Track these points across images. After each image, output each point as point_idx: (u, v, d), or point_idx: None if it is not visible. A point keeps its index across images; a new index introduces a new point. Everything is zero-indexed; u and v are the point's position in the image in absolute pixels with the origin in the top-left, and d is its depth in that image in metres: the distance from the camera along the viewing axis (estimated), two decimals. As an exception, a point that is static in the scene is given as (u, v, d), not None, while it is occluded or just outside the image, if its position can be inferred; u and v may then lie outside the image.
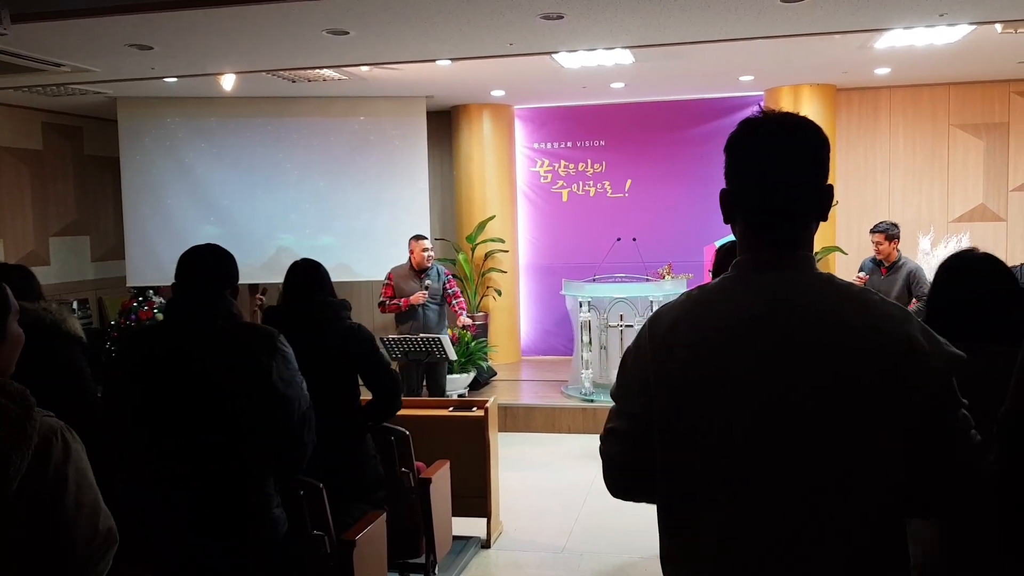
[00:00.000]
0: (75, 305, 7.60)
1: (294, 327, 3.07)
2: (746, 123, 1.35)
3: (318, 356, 3.01)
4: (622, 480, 1.45)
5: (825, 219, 1.35)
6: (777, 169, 1.30)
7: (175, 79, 6.63)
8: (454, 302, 6.26)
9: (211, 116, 7.94)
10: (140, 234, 7.74)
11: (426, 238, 6.32)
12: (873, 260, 6.04)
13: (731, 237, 1.44)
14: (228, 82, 6.56)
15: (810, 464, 1.23)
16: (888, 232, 5.90)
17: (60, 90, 6.90)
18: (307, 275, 3.23)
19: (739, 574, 1.27)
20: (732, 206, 1.37)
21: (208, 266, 2.47)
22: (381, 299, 6.21)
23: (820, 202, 1.33)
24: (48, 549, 1.53)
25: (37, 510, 1.50)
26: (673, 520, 1.36)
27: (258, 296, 6.62)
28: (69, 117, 8.29)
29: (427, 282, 6.07)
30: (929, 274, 5.54)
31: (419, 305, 6.07)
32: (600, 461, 1.47)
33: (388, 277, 6.24)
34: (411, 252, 6.20)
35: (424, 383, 6.20)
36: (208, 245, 2.58)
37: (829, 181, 1.36)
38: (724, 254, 3.15)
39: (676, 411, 1.32)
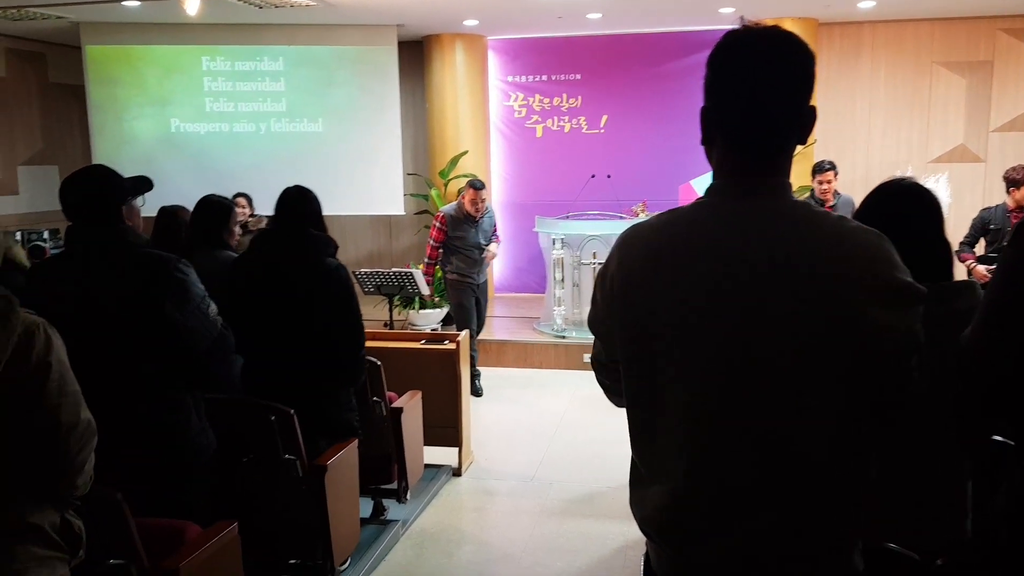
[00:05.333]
0: (46, 235, 7.48)
1: (275, 255, 3.06)
2: (732, 36, 1.27)
3: (292, 287, 3.00)
4: (620, 402, 1.46)
5: (804, 143, 1.31)
6: (765, 87, 1.24)
7: (138, 3, 6.41)
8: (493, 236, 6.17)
9: (175, 43, 7.71)
10: (108, 162, 7.51)
11: (479, 184, 5.95)
12: (812, 201, 5.92)
13: (706, 176, 1.42)
14: (192, 7, 6.34)
15: (769, 387, 1.23)
16: (835, 169, 5.93)
17: (20, 14, 6.64)
18: (294, 204, 3.10)
19: (708, 496, 1.27)
20: (711, 125, 1.31)
21: (91, 191, 2.37)
22: (430, 241, 6.05)
23: (804, 124, 1.28)
24: (35, 433, 1.60)
25: (23, 395, 1.58)
26: (642, 441, 1.36)
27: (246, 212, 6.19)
28: (32, 43, 8.02)
29: (487, 252, 6.00)
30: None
31: (474, 247, 5.95)
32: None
33: (440, 220, 5.99)
34: (462, 198, 5.95)
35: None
36: (90, 168, 2.49)
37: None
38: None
39: (640, 330, 1.32)
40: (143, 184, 2.49)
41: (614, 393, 1.49)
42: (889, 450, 1.71)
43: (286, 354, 3.00)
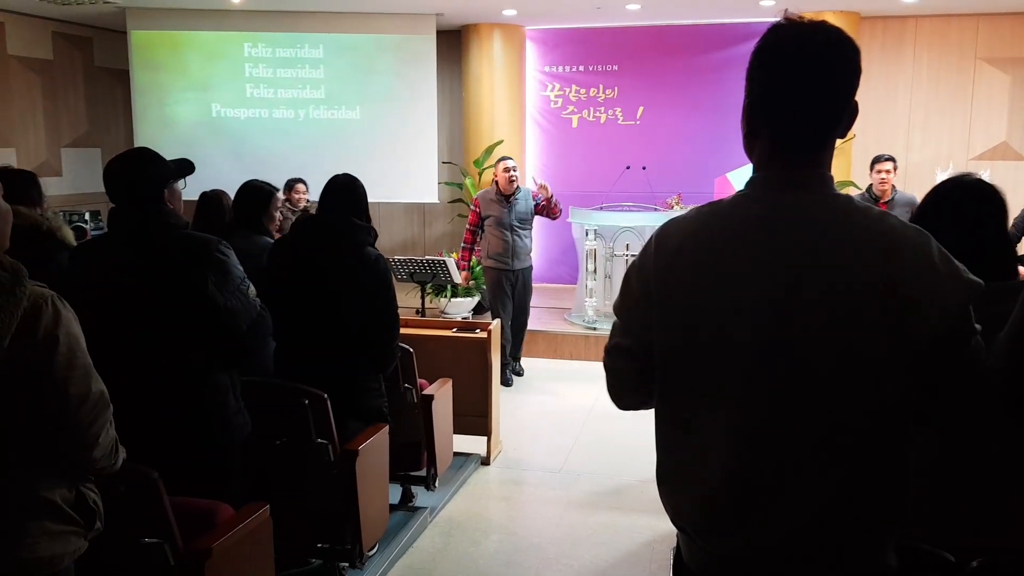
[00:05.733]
0: (87, 216, 7.64)
1: (315, 241, 3.09)
2: (779, 29, 1.27)
3: (326, 275, 3.02)
4: (628, 395, 1.47)
5: (844, 136, 1.31)
6: (814, 81, 1.25)
7: (182, -11, 6.49)
8: (556, 208, 5.93)
9: (218, 29, 7.81)
10: (150, 146, 7.66)
11: (509, 159, 5.95)
12: (867, 196, 5.82)
13: (742, 169, 1.40)
14: (236, -6, 6.42)
15: (812, 382, 1.22)
16: (895, 161, 5.74)
17: (68, -1, 6.78)
18: (341, 191, 3.10)
19: (746, 487, 1.27)
20: (757, 118, 1.30)
21: (134, 174, 2.38)
22: (467, 226, 6.08)
23: (848, 119, 1.29)
24: (45, 406, 1.61)
25: (32, 368, 1.58)
26: (676, 435, 1.36)
27: (305, 197, 6.22)
28: (79, 27, 8.17)
29: (496, 208, 5.79)
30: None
31: (505, 230, 5.82)
32: (604, 381, 1.48)
33: (474, 203, 6.00)
34: (495, 176, 5.95)
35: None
36: (134, 151, 2.50)
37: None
38: None
39: (677, 324, 1.31)
40: (186, 167, 2.52)
41: (626, 384, 1.46)
42: (951, 451, 1.68)
43: (318, 340, 3.03)
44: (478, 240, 6.08)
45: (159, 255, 2.35)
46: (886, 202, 5.75)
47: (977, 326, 1.25)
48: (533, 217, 6.00)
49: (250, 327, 2.45)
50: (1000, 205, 1.81)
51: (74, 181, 8.07)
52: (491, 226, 5.88)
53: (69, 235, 2.97)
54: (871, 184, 5.86)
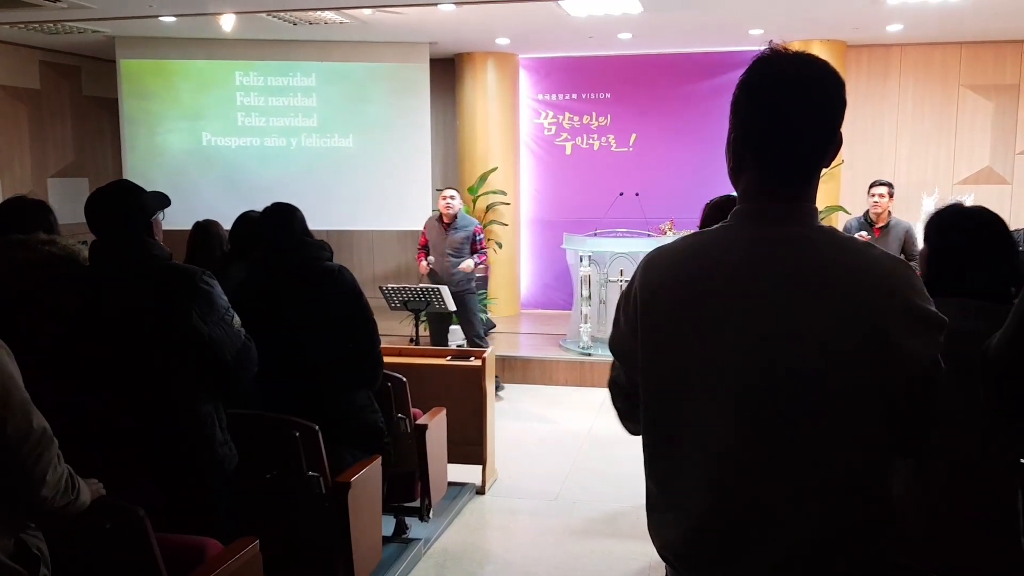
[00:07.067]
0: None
1: (277, 266, 3.05)
2: (763, 61, 1.27)
3: (299, 299, 2.99)
4: (634, 424, 1.46)
5: (829, 166, 1.31)
6: (799, 113, 1.24)
7: (174, 18, 6.51)
8: (475, 255, 6.28)
9: (209, 58, 7.83)
10: (139, 177, 7.65)
11: (448, 189, 6.38)
12: (862, 220, 5.87)
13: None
14: (228, 23, 6.44)
15: (797, 418, 1.22)
16: (891, 187, 5.79)
17: (57, 28, 6.78)
18: (279, 216, 3.08)
19: (729, 521, 1.26)
20: (744, 151, 1.29)
21: (120, 207, 2.39)
22: (419, 247, 6.43)
23: (833, 151, 1.28)
24: None
25: None
26: (661, 467, 1.35)
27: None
28: (67, 56, 8.18)
29: (464, 264, 6.11)
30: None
31: (439, 256, 6.20)
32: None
33: (424, 226, 6.42)
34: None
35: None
36: (117, 184, 2.50)
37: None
38: (713, 209, 3.07)
39: (663, 356, 1.31)
40: (163, 200, 2.54)
41: (630, 419, 1.49)
42: (935, 474, 1.67)
43: (301, 362, 2.99)
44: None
45: (143, 287, 2.33)
46: (881, 227, 5.79)
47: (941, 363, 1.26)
48: (473, 247, 6.25)
49: (235, 357, 2.42)
50: (1001, 228, 1.84)
51: (60, 211, 7.93)
52: (432, 250, 6.26)
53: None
54: (867, 209, 5.90)
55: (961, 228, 1.83)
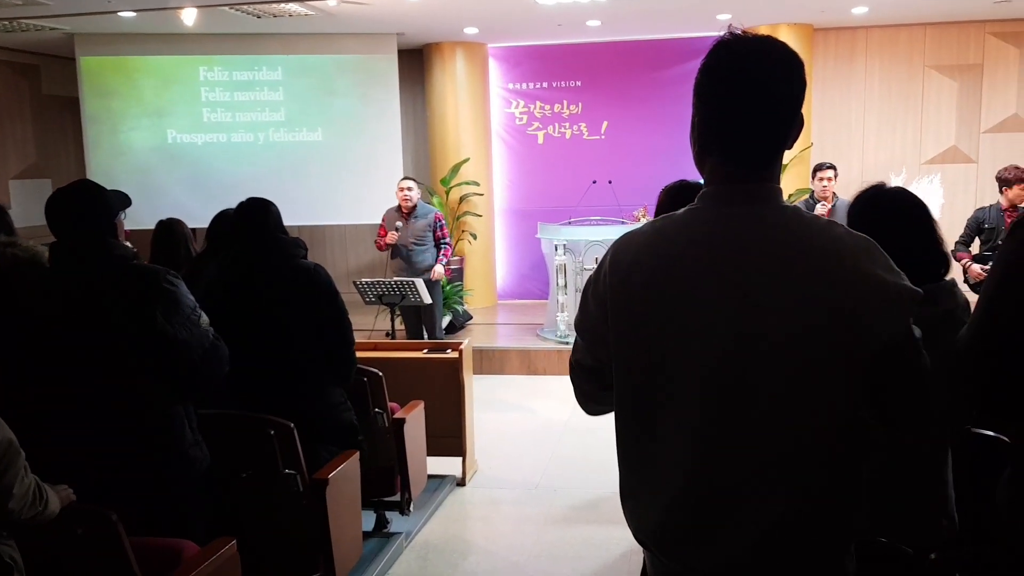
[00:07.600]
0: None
1: (251, 263, 3.01)
2: (724, 46, 1.27)
3: (273, 298, 2.94)
4: (594, 406, 1.50)
5: (791, 148, 1.33)
6: (759, 96, 1.26)
7: (133, 14, 6.39)
8: (438, 244, 6.25)
9: (172, 53, 7.69)
10: (103, 177, 7.52)
11: (405, 179, 6.33)
12: (809, 202, 6.03)
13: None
14: (189, 17, 6.32)
15: (768, 397, 1.22)
16: (835, 169, 5.98)
17: (14, 26, 6.62)
18: (255, 213, 3.03)
19: (701, 500, 1.27)
20: (708, 134, 1.30)
21: (82, 207, 2.35)
22: (376, 238, 6.34)
23: (795, 132, 1.30)
24: None
25: None
26: (633, 450, 1.36)
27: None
28: (25, 55, 8.00)
29: (397, 223, 6.11)
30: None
31: (403, 246, 6.13)
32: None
33: (383, 217, 6.32)
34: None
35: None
36: (78, 184, 2.46)
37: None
38: (667, 195, 2.98)
39: (635, 338, 1.31)
40: (124, 199, 2.51)
41: (594, 400, 1.49)
42: (881, 448, 1.70)
43: (272, 364, 2.95)
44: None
45: (107, 288, 2.28)
46: (830, 208, 5.94)
47: (916, 329, 1.26)
48: (435, 234, 6.22)
49: (203, 357, 2.37)
50: (915, 208, 1.90)
51: (23, 214, 7.83)
52: (393, 240, 6.14)
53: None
54: (812, 191, 6.09)
55: (870, 217, 1.89)
